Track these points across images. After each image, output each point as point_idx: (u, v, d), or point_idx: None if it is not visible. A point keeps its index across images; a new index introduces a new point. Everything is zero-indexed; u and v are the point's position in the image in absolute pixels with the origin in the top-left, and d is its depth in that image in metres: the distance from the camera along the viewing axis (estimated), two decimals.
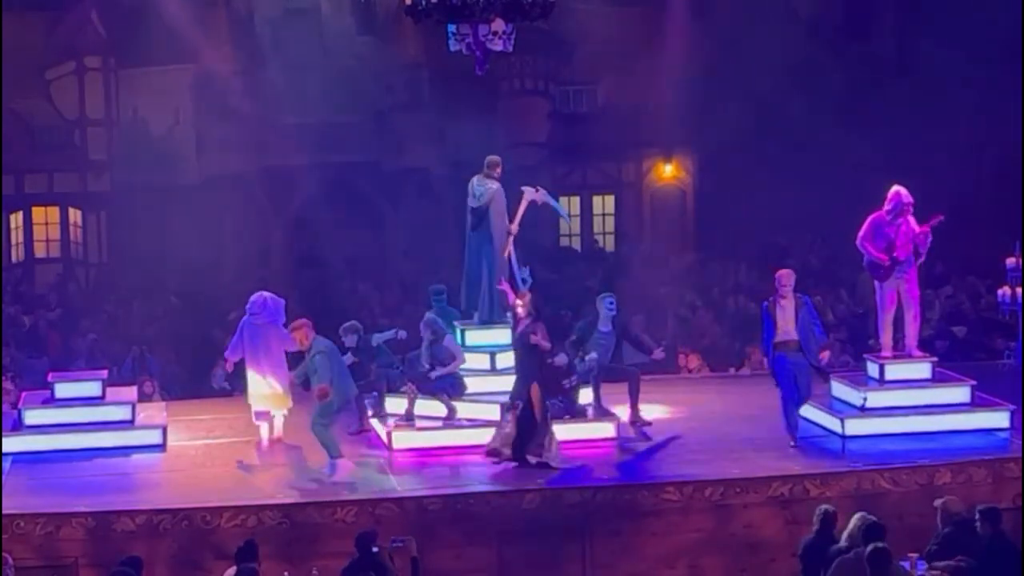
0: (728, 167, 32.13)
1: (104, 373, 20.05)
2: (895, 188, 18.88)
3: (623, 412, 19.12)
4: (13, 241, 32.09)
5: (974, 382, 19.11)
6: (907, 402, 18.91)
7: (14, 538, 15.84)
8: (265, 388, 18.90)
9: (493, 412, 18.45)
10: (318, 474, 17.72)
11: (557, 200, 20.48)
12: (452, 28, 17.87)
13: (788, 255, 30.61)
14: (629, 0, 33.01)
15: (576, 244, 34.12)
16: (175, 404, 20.90)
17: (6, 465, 17.90)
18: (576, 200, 34.14)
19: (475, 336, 19.49)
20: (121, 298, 29.38)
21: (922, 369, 19.20)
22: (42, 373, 21.74)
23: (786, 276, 18.38)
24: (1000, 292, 22.09)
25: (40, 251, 32.48)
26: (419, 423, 18.68)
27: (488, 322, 19.36)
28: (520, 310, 17.95)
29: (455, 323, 19.56)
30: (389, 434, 18.58)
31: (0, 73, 30.38)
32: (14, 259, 31.95)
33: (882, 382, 19.07)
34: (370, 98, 32.95)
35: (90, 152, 32.26)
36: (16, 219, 32.16)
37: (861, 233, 18.95)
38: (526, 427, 17.58)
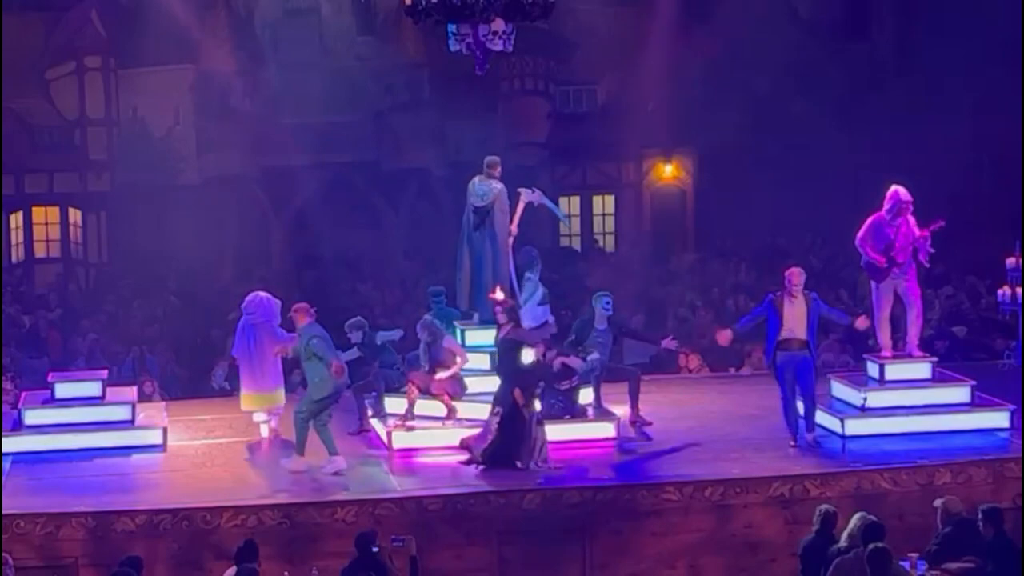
0: (728, 167, 32.14)
1: (104, 373, 20.04)
2: (893, 187, 18.87)
3: (623, 412, 19.13)
4: (13, 241, 32.10)
5: (974, 382, 19.10)
6: (907, 402, 18.90)
7: (14, 538, 15.84)
8: (256, 387, 18.95)
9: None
10: (317, 473, 17.72)
11: (555, 203, 20.50)
12: (452, 28, 17.85)
13: (788, 255, 30.63)
14: (629, 0, 33.01)
15: (576, 244, 34.12)
16: (175, 404, 20.89)
17: (6, 465, 17.88)
18: (576, 200, 34.17)
19: (475, 336, 19.49)
20: (121, 298, 29.38)
21: (922, 369, 19.20)
22: (42, 373, 21.74)
23: (797, 274, 18.24)
24: (1000, 292, 22.07)
25: (40, 251, 32.49)
26: (419, 423, 18.69)
27: (491, 322, 19.37)
28: (500, 315, 17.94)
29: (455, 323, 19.56)
30: (389, 434, 18.58)
31: (0, 73, 30.39)
32: (14, 259, 31.96)
33: (882, 382, 19.06)
34: (370, 98, 32.98)
35: (90, 152, 32.27)
36: (16, 219, 32.17)
37: (860, 233, 18.93)
38: (512, 432, 17.53)
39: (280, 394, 19.14)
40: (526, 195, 19.64)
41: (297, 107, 31.70)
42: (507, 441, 17.53)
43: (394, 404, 19.02)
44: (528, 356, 17.84)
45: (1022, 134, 29.33)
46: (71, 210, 32.48)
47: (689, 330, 26.14)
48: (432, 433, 18.55)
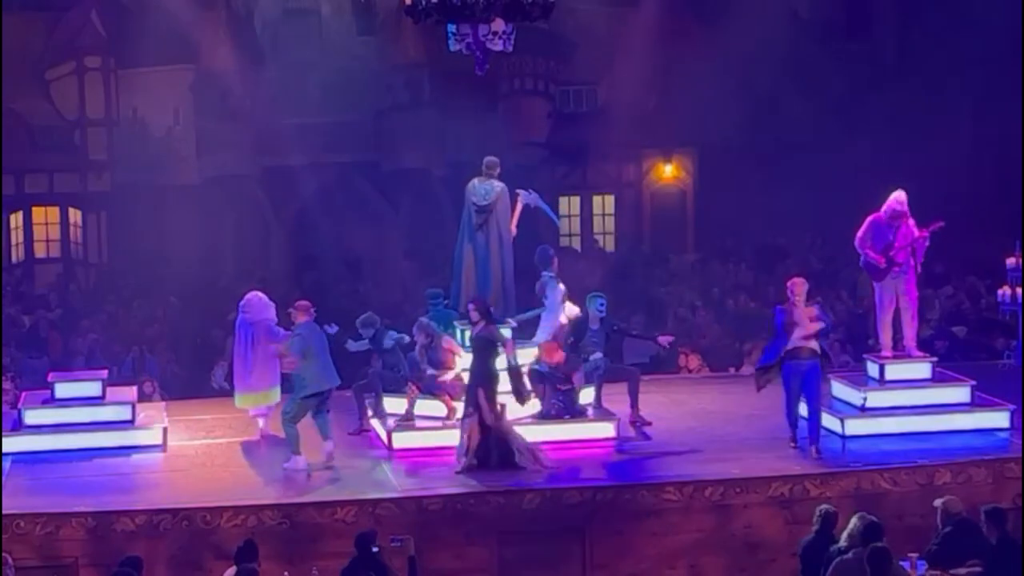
0: (728, 167, 32.14)
1: (104, 373, 20.04)
2: (893, 195, 18.86)
3: (623, 412, 19.13)
4: (13, 241, 32.09)
5: (974, 382, 19.10)
6: (907, 402, 18.90)
7: (14, 538, 15.84)
8: (246, 386, 19.02)
9: None
10: (317, 472, 17.73)
11: (555, 203, 20.53)
12: (452, 28, 17.85)
13: (788, 255, 30.66)
14: (630, 0, 33.01)
15: (576, 244, 34.11)
16: (175, 404, 20.88)
17: (6, 465, 17.88)
18: (576, 200, 34.18)
19: None
20: (121, 298, 29.37)
21: (922, 369, 19.21)
22: (42, 373, 21.73)
23: (799, 284, 18.08)
24: (1000, 292, 22.07)
25: (40, 251, 32.47)
26: (419, 423, 18.68)
27: (500, 321, 19.37)
28: (473, 313, 17.95)
29: (455, 323, 19.55)
30: (389, 434, 18.58)
31: (0, 73, 30.39)
32: (14, 259, 31.94)
33: (882, 382, 19.06)
34: (370, 98, 32.97)
35: (90, 152, 32.26)
36: (16, 219, 32.16)
37: (859, 233, 18.94)
38: (487, 436, 17.52)
39: (274, 393, 19.14)
40: (523, 197, 19.69)
41: (297, 107, 31.70)
42: (490, 444, 17.51)
43: (394, 404, 19.02)
44: (502, 359, 17.85)
45: (1022, 134, 29.32)
46: (71, 210, 32.47)
47: (689, 330, 26.15)
48: (432, 433, 18.54)
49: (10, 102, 31.05)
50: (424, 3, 17.61)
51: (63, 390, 19.20)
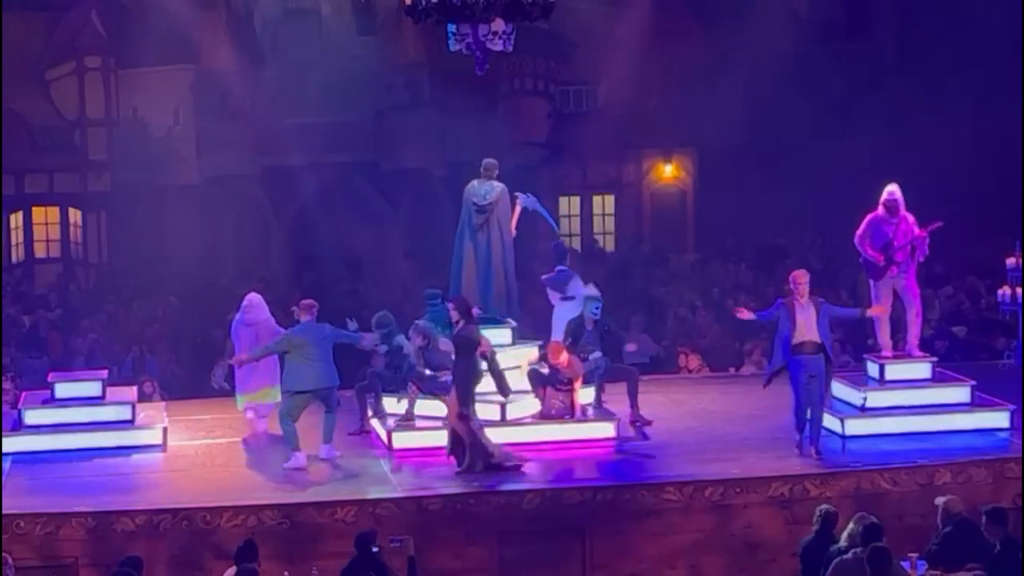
0: (728, 167, 32.12)
1: (104, 373, 20.04)
2: (886, 188, 18.86)
3: (623, 412, 19.13)
4: (13, 241, 32.08)
5: (974, 382, 19.11)
6: (907, 402, 18.91)
7: (14, 538, 15.84)
8: (245, 387, 19.06)
9: (494, 412, 18.45)
10: (316, 471, 17.73)
11: (552, 208, 20.56)
12: (452, 28, 17.86)
13: (788, 255, 30.64)
14: (629, 0, 33.00)
15: (576, 244, 34.09)
16: (175, 404, 20.89)
17: (6, 465, 17.89)
18: (576, 200, 34.17)
19: None
20: (121, 298, 29.37)
21: (922, 369, 19.21)
22: (42, 373, 21.73)
23: (801, 275, 18.07)
24: (1000, 292, 22.08)
25: (40, 251, 32.46)
26: (419, 423, 18.68)
27: (494, 321, 19.37)
28: (453, 312, 17.93)
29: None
30: (389, 434, 18.58)
31: (0, 73, 30.38)
32: (14, 259, 31.93)
33: (882, 382, 19.07)
34: (370, 98, 32.96)
35: (90, 152, 32.24)
36: (16, 219, 32.14)
37: (859, 231, 18.94)
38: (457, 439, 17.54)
39: (274, 392, 19.13)
40: (521, 200, 19.75)
41: (297, 107, 31.69)
42: (463, 447, 17.53)
43: (394, 404, 19.02)
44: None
45: (1022, 134, 29.32)
46: (71, 210, 32.45)
47: (689, 330, 26.14)
48: (432, 433, 18.54)
49: (10, 102, 31.05)
50: (424, 3, 17.62)
51: (63, 390, 19.21)
